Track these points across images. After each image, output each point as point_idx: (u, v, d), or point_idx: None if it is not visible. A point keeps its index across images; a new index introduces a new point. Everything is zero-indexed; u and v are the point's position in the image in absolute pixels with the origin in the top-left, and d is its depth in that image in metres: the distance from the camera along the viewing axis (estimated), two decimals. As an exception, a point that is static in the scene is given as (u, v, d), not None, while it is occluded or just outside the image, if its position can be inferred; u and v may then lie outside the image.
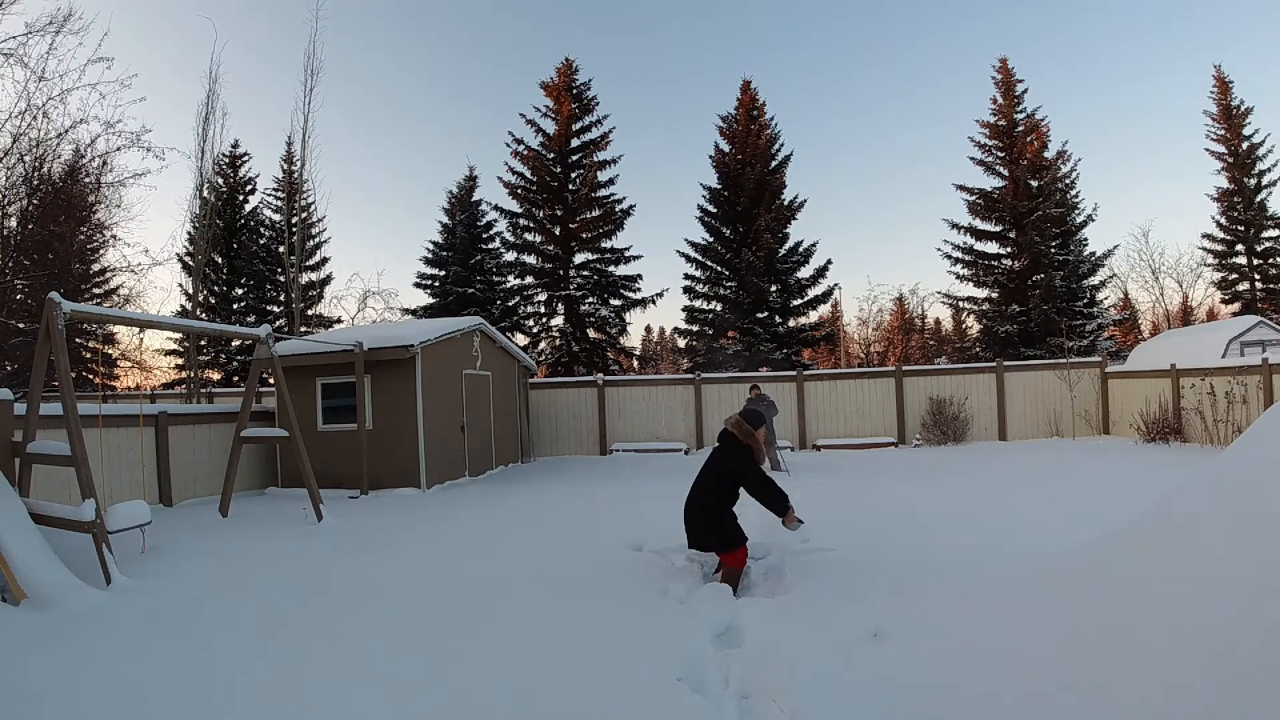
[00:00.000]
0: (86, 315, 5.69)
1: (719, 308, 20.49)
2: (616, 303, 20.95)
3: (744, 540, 4.46)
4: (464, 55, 54.73)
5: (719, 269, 20.58)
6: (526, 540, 6.09)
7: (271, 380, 7.89)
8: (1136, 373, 12.74)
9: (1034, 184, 19.82)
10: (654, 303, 20.96)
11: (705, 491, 4.50)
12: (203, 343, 20.52)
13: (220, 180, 21.99)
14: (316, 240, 23.13)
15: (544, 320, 21.42)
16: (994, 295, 20.46)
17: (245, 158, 24.31)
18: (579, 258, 21.28)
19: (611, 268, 21.12)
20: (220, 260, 22.75)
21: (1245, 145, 23.86)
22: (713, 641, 3.51)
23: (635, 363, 24.47)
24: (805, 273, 20.30)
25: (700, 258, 20.65)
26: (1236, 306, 24.22)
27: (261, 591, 4.63)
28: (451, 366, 10.88)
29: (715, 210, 20.82)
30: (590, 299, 20.84)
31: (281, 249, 20.97)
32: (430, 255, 21.68)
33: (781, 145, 20.76)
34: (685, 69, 51.11)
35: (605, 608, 4.01)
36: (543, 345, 21.36)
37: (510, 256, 21.44)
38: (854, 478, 9.46)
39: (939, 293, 22.21)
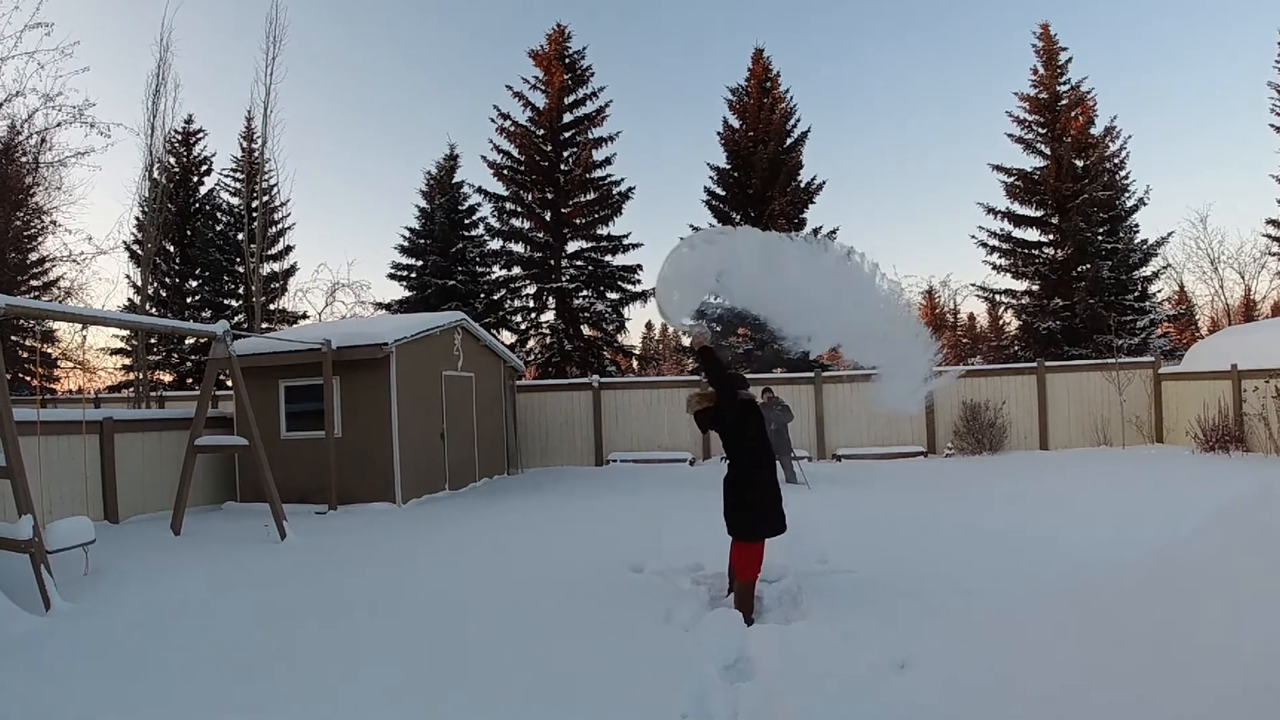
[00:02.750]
0: (23, 310, 5.70)
1: (727, 302, 20.50)
2: (614, 296, 20.96)
3: (751, 534, 4.34)
4: (443, 20, 54.72)
5: (728, 259, 20.58)
6: (513, 560, 6.10)
7: (229, 382, 7.90)
8: (1193, 374, 12.74)
9: (1079, 164, 19.82)
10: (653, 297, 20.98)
11: (730, 464, 4.54)
12: (153, 341, 20.53)
13: (172, 160, 21.96)
14: (279, 227, 23.12)
15: (533, 316, 21.43)
16: (1034, 288, 20.45)
17: (200, 135, 24.33)
18: (572, 246, 21.29)
19: (608, 257, 21.12)
20: (172, 249, 22.74)
21: (1314, 121, 23.83)
22: (721, 673, 3.52)
23: (635, 363, 24.47)
24: (824, 263, 20.29)
25: (707, 246, 20.65)
26: (1305, 300, 24.22)
27: (217, 618, 4.64)
28: (430, 367, 10.88)
29: (723, 193, 20.83)
30: (585, 292, 20.85)
31: (240, 236, 20.97)
32: (406, 244, 21.69)
33: (798, 120, 20.76)
34: (689, 35, 51.10)
35: (602, 635, 4.01)
36: (532, 343, 21.36)
37: (495, 245, 21.45)
38: (878, 491, 9.47)
39: (973, 285, 22.15)
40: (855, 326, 4.46)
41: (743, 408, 4.50)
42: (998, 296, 21.32)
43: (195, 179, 23.95)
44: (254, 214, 17.64)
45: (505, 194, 21.11)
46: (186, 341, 21.52)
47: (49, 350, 19.86)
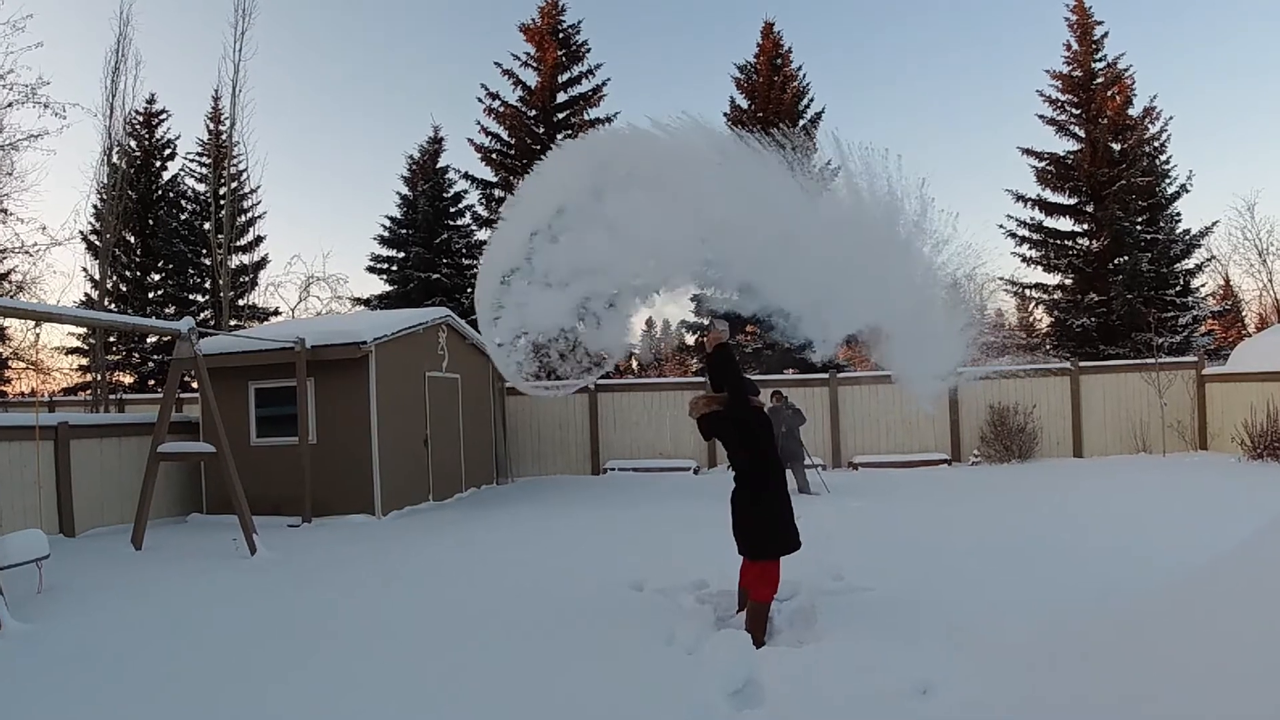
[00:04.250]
0: (-28, 306, 5.70)
1: (735, 296, 20.50)
2: (612, 291, 20.99)
3: (780, 550, 4.33)
4: (427, -8, 54.71)
5: (735, 250, 20.60)
6: (503, 577, 6.10)
7: (195, 384, 7.91)
8: (1240, 375, 12.73)
9: (1116, 147, 19.82)
10: (657, 291, 20.97)
11: (737, 476, 4.52)
12: (112, 339, 20.53)
13: (133, 143, 22.00)
14: (249, 215, 23.15)
15: (524, 312, 21.43)
16: (1067, 282, 20.46)
17: (163, 116, 24.34)
18: (566, 237, 21.31)
19: (605, 249, 21.15)
20: (133, 240, 22.77)
21: (1371, 100, 23.84)
22: (727, 699, 3.52)
23: (634, 363, 24.49)
24: (840, 254, 20.31)
25: (712, 236, 20.68)
26: (1361, 295, 24.20)
27: (182, 640, 4.65)
28: (412, 367, 10.88)
29: (731, 179, 20.86)
30: (580, 286, 20.88)
31: (207, 226, 20.99)
32: (386, 234, 21.72)
33: (811, 100, 20.83)
34: (693, 8, 51.08)
35: (598, 659, 4.01)
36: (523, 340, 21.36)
37: (483, 235, 21.46)
38: (899, 502, 9.47)
39: (1001, 279, 22.14)
40: (886, 308, 4.02)
41: (754, 415, 4.49)
42: (1027, 291, 21.32)
43: (158, 164, 23.95)
44: (221, 202, 17.65)
45: (494, 180, 21.13)
46: (148, 340, 21.53)
47: (-1, 349, 19.85)
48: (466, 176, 21.47)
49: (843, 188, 4.36)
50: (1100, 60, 20.43)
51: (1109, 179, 19.40)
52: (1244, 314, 27.00)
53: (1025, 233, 20.71)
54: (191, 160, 24.16)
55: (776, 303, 4.18)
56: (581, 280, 3.99)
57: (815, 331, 4.23)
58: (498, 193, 21.09)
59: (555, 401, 14.76)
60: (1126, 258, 18.91)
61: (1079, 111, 20.51)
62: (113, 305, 20.88)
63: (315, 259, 52.85)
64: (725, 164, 4.08)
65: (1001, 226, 20.80)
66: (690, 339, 21.57)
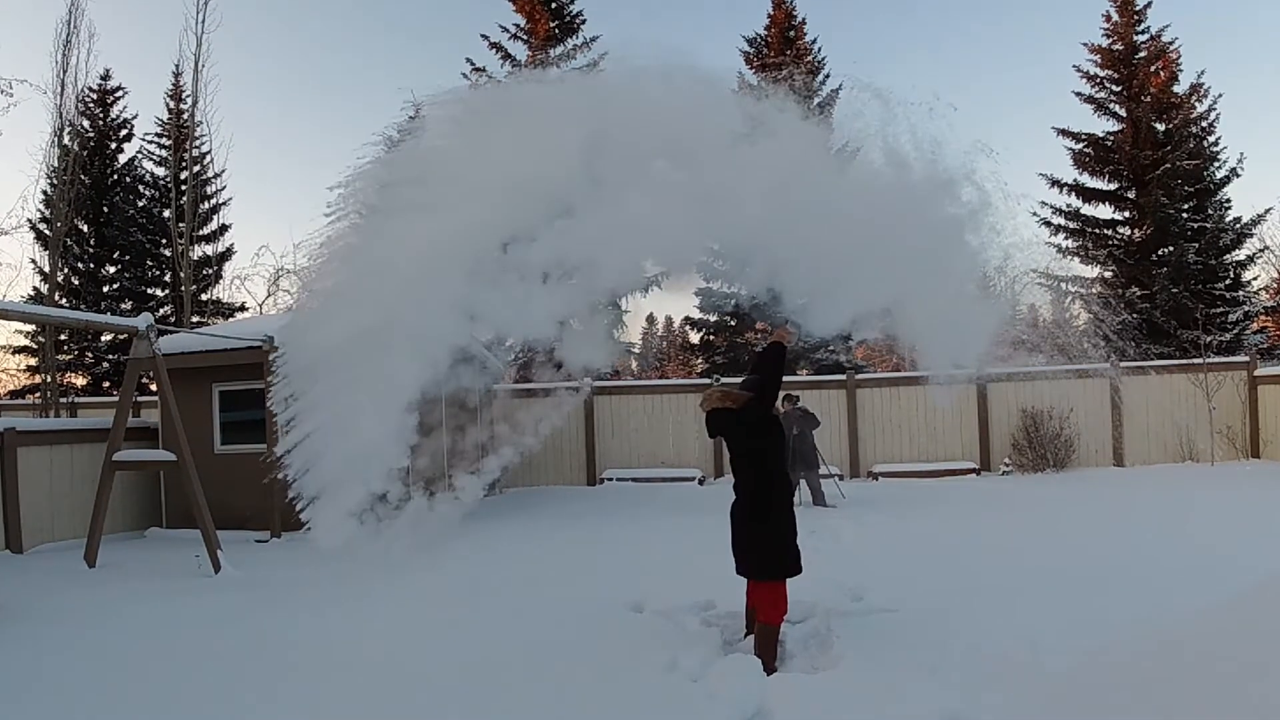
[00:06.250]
0: (-91, 301, 5.70)
1: (744, 291, 20.52)
2: (608, 284, 20.99)
3: (788, 571, 4.36)
4: (408, -42, 54.71)
5: (744, 240, 20.62)
6: (489, 598, 6.11)
7: (154, 387, 7.91)
8: (1295, 377, 12.74)
9: (1160, 127, 19.83)
10: (658, 284, 20.96)
11: (739, 487, 4.51)
12: (63, 337, 20.53)
13: (86, 123, 21.99)
14: (213, 202, 23.17)
15: (513, 307, 21.43)
16: (1107, 274, 20.47)
17: (119, 93, 24.35)
18: (558, 224, 21.31)
19: (602, 238, 21.16)
20: (86, 228, 22.77)
21: None
22: (736, 731, 3.52)
23: (634, 364, 24.53)
24: (858, 245, 20.33)
25: (719, 225, 20.70)
26: None
27: (138, 666, 4.64)
28: (391, 368, 10.86)
29: (739, 162, 20.88)
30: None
31: (167, 214, 20.98)
32: (363, 222, 21.69)
33: (827, 77, 20.86)
34: (700, -24, 51.07)
35: (595, 687, 4.02)
36: (512, 340, 21.37)
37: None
38: (922, 516, 9.46)
39: (1034, 271, 22.10)
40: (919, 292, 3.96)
41: (766, 422, 4.49)
42: (1063, 285, 21.31)
43: (113, 145, 23.95)
44: (183, 187, 17.66)
45: (480, 163, 21.12)
46: (103, 338, 21.52)
47: (-60, 348, 19.87)
48: (450, 159, 21.49)
49: (876, 145, 4.20)
50: (1143, 33, 20.44)
51: (1152, 162, 19.40)
52: (1300, 310, 26.97)
53: (1060, 221, 20.73)
54: (150, 142, 24.18)
55: (794, 283, 4.11)
56: (572, 277, 3.82)
57: (843, 315, 4.15)
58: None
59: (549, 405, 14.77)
60: (1171, 248, 18.91)
61: (1119, 89, 20.52)
62: (64, 300, 20.88)
63: (285, 250, 52.61)
64: (745, 136, 4.05)
65: (1035, 214, 20.79)
66: (695, 337, 21.58)
